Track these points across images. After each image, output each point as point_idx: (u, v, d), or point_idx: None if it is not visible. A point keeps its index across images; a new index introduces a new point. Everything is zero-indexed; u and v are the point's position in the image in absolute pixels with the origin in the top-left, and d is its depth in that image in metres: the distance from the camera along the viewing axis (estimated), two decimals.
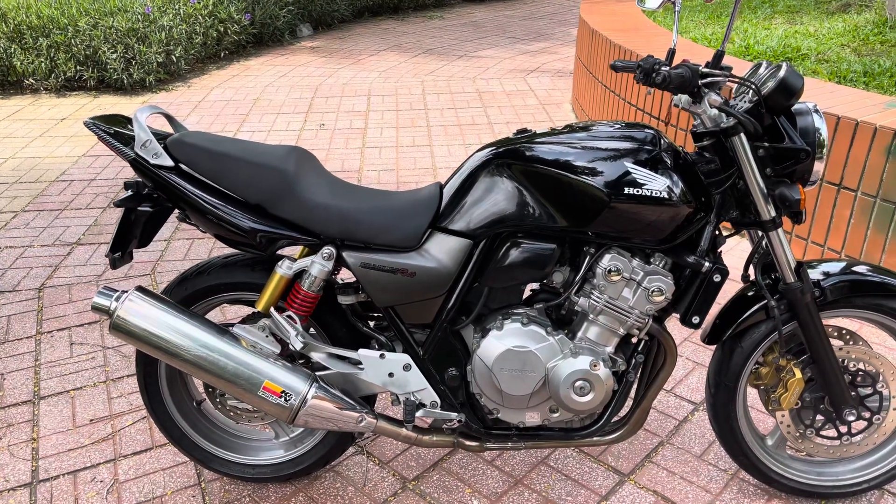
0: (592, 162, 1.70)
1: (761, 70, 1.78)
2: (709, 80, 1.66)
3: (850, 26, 5.14)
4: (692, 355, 2.72)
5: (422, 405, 1.91)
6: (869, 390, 1.94)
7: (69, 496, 2.13)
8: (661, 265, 1.79)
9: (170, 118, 1.96)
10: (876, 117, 2.94)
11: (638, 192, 1.68)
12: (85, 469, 2.23)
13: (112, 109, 5.88)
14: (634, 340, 1.88)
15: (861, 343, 1.95)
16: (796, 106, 1.75)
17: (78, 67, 6.29)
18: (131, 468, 2.23)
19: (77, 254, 3.57)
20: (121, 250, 1.87)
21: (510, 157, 1.75)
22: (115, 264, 1.87)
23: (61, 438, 2.35)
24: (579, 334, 1.83)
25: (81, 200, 4.19)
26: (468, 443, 1.96)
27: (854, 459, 2.06)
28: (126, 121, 1.91)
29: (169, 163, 1.79)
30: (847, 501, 2.07)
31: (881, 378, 1.92)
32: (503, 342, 1.81)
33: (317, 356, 1.90)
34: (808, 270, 1.88)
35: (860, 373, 1.93)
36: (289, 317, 1.86)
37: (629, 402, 2.39)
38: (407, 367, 1.89)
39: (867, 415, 1.95)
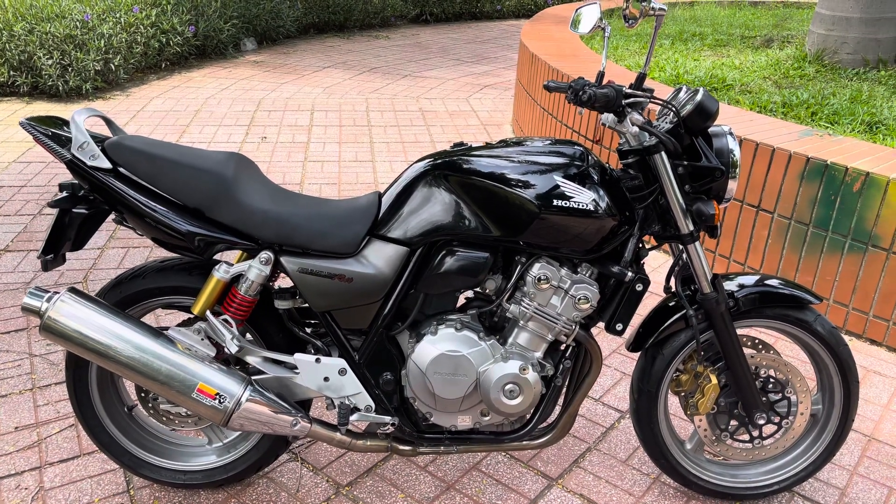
0: (524, 175, 1.79)
1: (681, 94, 1.91)
2: (632, 100, 1.77)
3: (772, 60, 5.45)
4: (620, 366, 2.83)
5: (356, 409, 1.95)
6: (778, 396, 2.06)
7: None
8: (587, 275, 1.89)
9: (108, 122, 1.96)
10: (791, 145, 3.14)
11: (566, 204, 1.78)
12: (9, 476, 2.17)
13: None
14: (562, 347, 1.97)
15: (772, 352, 2.08)
16: (712, 128, 1.87)
17: (11, 73, 6.12)
18: (57, 476, 2.19)
19: (4, 260, 3.47)
20: (53, 252, 1.85)
21: (447, 168, 1.82)
22: (46, 266, 1.85)
23: None
24: (510, 340, 1.90)
25: (11, 207, 4.08)
26: (402, 447, 2.01)
27: (765, 462, 2.18)
28: (62, 123, 1.90)
29: (107, 165, 1.80)
30: (759, 503, 2.18)
31: (790, 384, 2.06)
32: (437, 347, 1.86)
33: (252, 360, 1.91)
34: (725, 282, 2.00)
35: (771, 379, 2.06)
36: (225, 321, 1.87)
37: (557, 408, 2.47)
38: (342, 372, 1.92)
39: (777, 419, 2.07)
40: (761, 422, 2.04)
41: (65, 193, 1.85)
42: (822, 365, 2.08)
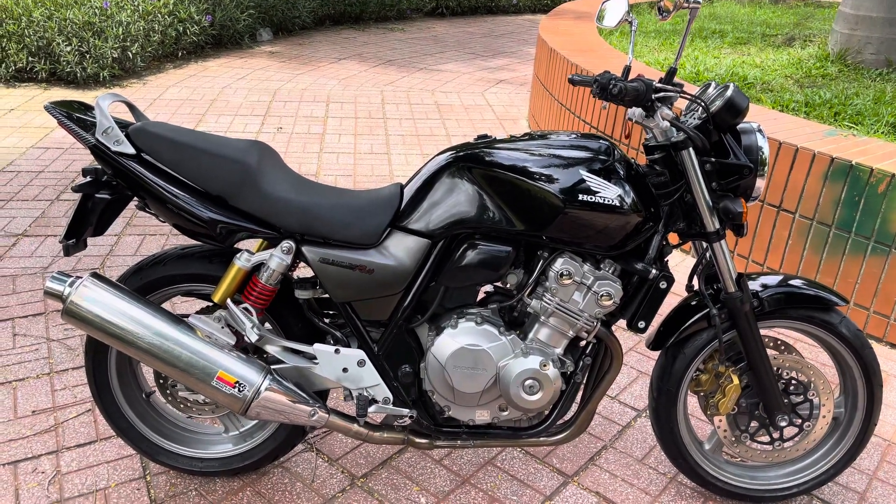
0: (549, 169, 1.77)
1: (710, 90, 1.88)
2: (662, 94, 1.75)
3: (793, 59, 5.39)
4: (637, 364, 2.81)
5: (374, 401, 1.94)
6: (800, 398, 2.04)
7: (9, 486, 2.08)
8: (610, 271, 1.87)
9: (132, 107, 1.96)
10: (815, 144, 3.10)
11: (591, 199, 1.76)
12: (26, 460, 2.18)
13: None
14: (583, 343, 1.95)
15: (794, 353, 2.06)
16: (741, 125, 1.85)
17: (30, 58, 6.14)
18: (74, 460, 2.19)
19: (22, 245, 3.48)
20: (75, 237, 1.85)
21: (471, 160, 1.80)
22: (68, 251, 1.85)
23: (1, 429, 2.30)
24: (530, 335, 1.89)
25: (28, 192, 4.09)
26: (418, 440, 2.00)
27: (785, 465, 2.16)
28: (85, 108, 1.90)
29: (130, 150, 1.79)
30: None
31: (812, 387, 2.03)
32: (457, 340, 1.85)
33: (272, 349, 1.91)
34: (748, 282, 1.98)
35: (793, 381, 2.03)
36: (245, 309, 1.87)
37: (575, 405, 2.45)
38: (361, 363, 1.91)
39: (798, 422, 2.05)
40: (783, 424, 2.02)
41: (88, 178, 1.85)
42: (846, 367, 2.05)
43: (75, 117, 1.81)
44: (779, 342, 2.07)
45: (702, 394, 2.08)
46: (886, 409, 2.61)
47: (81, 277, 1.80)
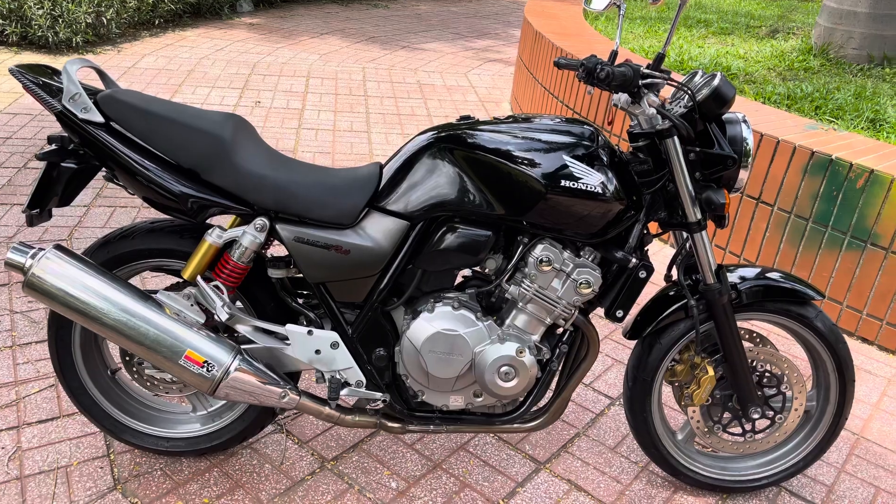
0: (532, 153, 1.73)
1: (697, 78, 1.86)
2: (649, 80, 1.71)
3: (777, 51, 5.40)
4: (612, 352, 2.80)
5: (347, 384, 1.90)
6: (774, 391, 2.04)
7: None
8: (590, 259, 1.84)
9: (102, 74, 1.88)
10: (796, 137, 3.10)
11: (574, 185, 1.72)
12: None
13: None
14: (560, 331, 1.93)
15: (769, 345, 2.06)
16: (727, 115, 1.82)
17: (0, 21, 5.95)
18: (35, 436, 2.13)
19: None
20: (39, 207, 1.79)
21: (452, 142, 1.76)
22: (31, 221, 1.79)
23: None
24: (507, 321, 1.86)
25: None
26: (391, 424, 1.97)
27: (756, 456, 2.17)
28: (54, 73, 1.82)
29: (99, 119, 1.72)
30: (747, 496, 2.17)
31: (786, 380, 2.03)
32: (433, 325, 1.82)
33: (242, 329, 1.86)
34: (727, 274, 1.97)
35: (767, 374, 2.03)
36: (216, 287, 1.82)
37: (550, 392, 2.44)
38: (335, 345, 1.87)
39: (771, 414, 2.05)
40: (755, 416, 2.02)
41: (53, 146, 1.78)
42: (820, 361, 2.06)
43: (42, 82, 1.73)
44: (754, 334, 2.07)
45: (676, 384, 2.07)
46: (856, 404, 2.63)
47: (44, 249, 1.74)
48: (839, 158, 2.91)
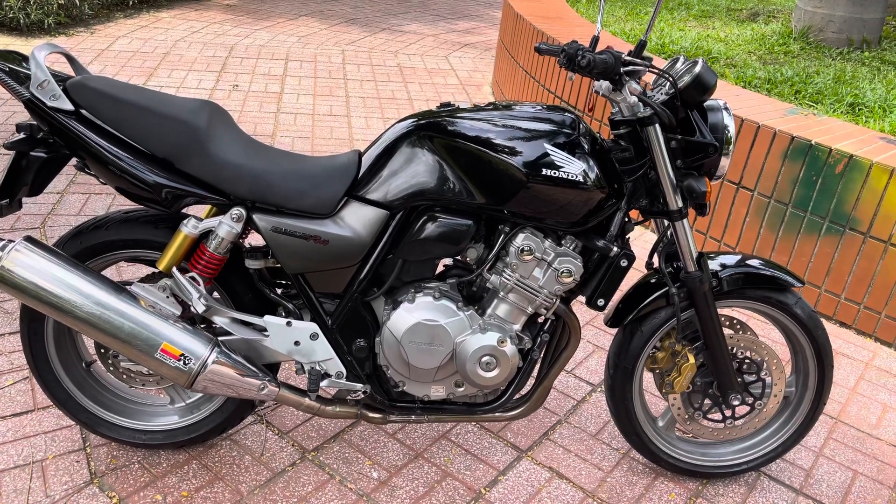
0: (513, 141, 1.71)
1: (678, 65, 1.84)
2: (630, 68, 1.69)
3: (757, 34, 5.40)
4: (593, 339, 2.81)
5: (327, 375, 1.88)
6: (754, 378, 2.05)
7: None
8: (571, 247, 1.83)
9: (71, 59, 1.83)
10: (776, 122, 3.10)
11: (555, 173, 1.71)
12: None
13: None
14: (541, 320, 1.92)
15: (749, 332, 2.06)
16: (708, 102, 1.81)
17: None
18: (9, 430, 2.09)
19: None
20: (8, 197, 1.74)
21: (432, 129, 1.74)
22: (1, 212, 1.74)
23: None
24: (489, 311, 1.85)
25: None
26: (372, 415, 1.95)
27: (735, 442, 2.18)
28: (22, 59, 1.77)
29: (68, 106, 1.67)
30: (727, 481, 2.19)
31: (765, 367, 2.04)
32: (414, 315, 1.80)
33: (220, 320, 1.83)
34: (708, 261, 1.96)
35: (747, 360, 2.04)
36: (192, 278, 1.78)
37: (531, 380, 2.44)
38: (314, 336, 1.85)
39: (750, 400, 2.06)
40: (735, 402, 2.03)
41: (22, 135, 1.73)
42: (799, 347, 2.07)
43: (8, 69, 1.67)
44: (734, 321, 2.08)
45: (657, 371, 2.08)
46: (833, 388, 2.66)
47: (14, 241, 1.69)
48: (819, 144, 2.92)
